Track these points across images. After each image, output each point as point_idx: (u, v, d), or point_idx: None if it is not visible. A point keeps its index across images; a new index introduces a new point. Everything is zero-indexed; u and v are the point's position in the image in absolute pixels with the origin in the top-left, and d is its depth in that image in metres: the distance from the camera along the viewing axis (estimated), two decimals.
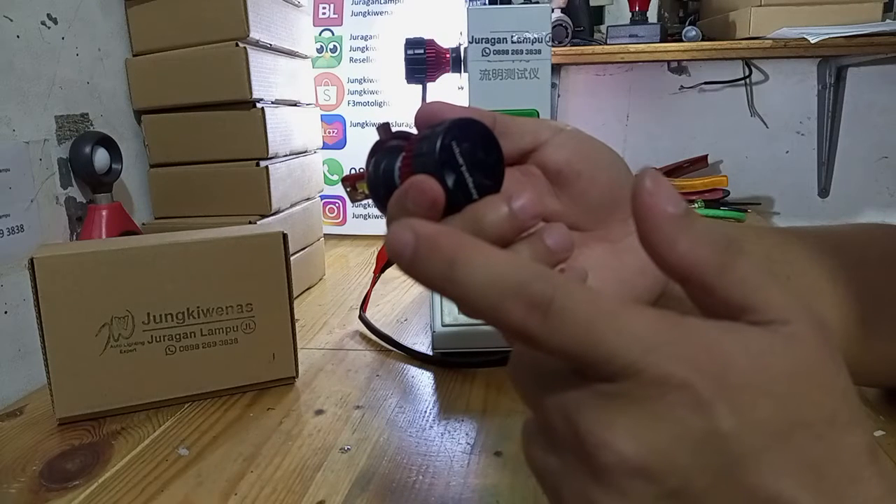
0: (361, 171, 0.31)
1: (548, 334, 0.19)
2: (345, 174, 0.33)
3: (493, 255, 0.19)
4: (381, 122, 0.31)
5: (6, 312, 0.60)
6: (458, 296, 0.20)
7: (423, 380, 0.60)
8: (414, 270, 0.20)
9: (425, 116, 0.29)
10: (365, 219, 1.20)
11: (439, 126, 0.26)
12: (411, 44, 0.65)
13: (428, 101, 0.34)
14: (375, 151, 0.30)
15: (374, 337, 0.69)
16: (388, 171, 0.28)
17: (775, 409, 0.19)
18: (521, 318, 0.19)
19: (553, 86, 0.95)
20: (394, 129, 0.30)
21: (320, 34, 1.19)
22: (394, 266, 0.64)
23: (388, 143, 0.30)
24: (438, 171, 0.25)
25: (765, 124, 1.38)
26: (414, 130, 0.30)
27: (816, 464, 0.19)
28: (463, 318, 0.61)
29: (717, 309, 0.21)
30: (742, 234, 0.40)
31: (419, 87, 0.67)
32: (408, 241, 0.20)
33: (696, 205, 1.14)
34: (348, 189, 0.33)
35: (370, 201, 0.30)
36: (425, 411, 0.53)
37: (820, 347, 0.20)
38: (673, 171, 1.25)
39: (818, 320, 0.20)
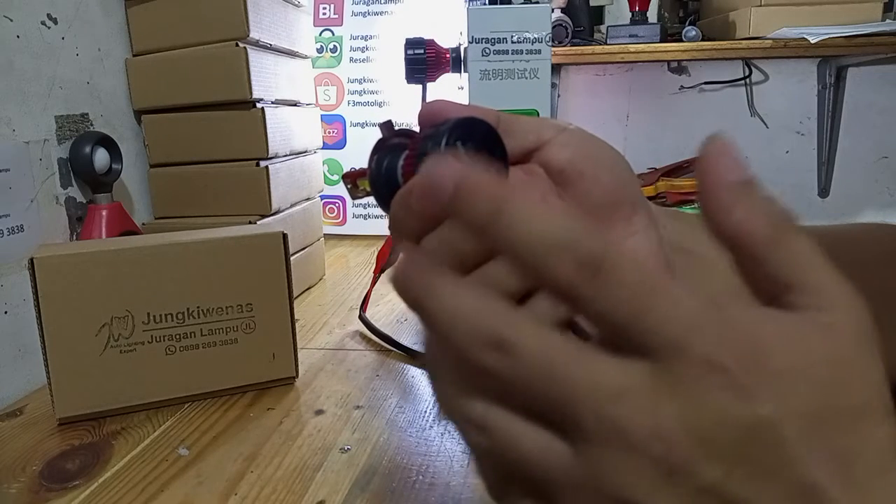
0: (362, 168, 0.31)
1: (595, 295, 0.18)
2: (346, 171, 0.33)
3: (547, 205, 0.19)
4: (384, 119, 0.31)
5: (6, 312, 0.60)
6: (501, 243, 0.19)
7: (423, 380, 0.60)
8: (455, 207, 0.19)
9: (429, 115, 0.29)
10: (365, 219, 1.20)
11: (443, 125, 0.26)
12: (411, 44, 0.65)
13: (430, 100, 0.34)
14: (378, 149, 0.30)
15: (374, 337, 0.69)
16: (391, 169, 0.28)
17: (813, 396, 0.18)
18: (570, 275, 0.18)
19: (553, 86, 0.95)
20: (396, 127, 0.30)
21: (320, 34, 1.19)
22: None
23: (391, 140, 0.30)
24: None
25: (765, 124, 1.38)
26: (416, 129, 0.30)
27: (848, 454, 0.19)
28: None
29: (762, 282, 0.21)
30: None
31: (419, 87, 0.67)
32: (451, 174, 0.18)
33: (696, 205, 1.14)
34: (349, 186, 0.33)
35: (370, 200, 0.30)
36: (425, 411, 0.53)
37: (858, 338, 0.20)
38: (673, 171, 1.25)
39: (861, 310, 0.20)
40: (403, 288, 0.20)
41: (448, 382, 0.21)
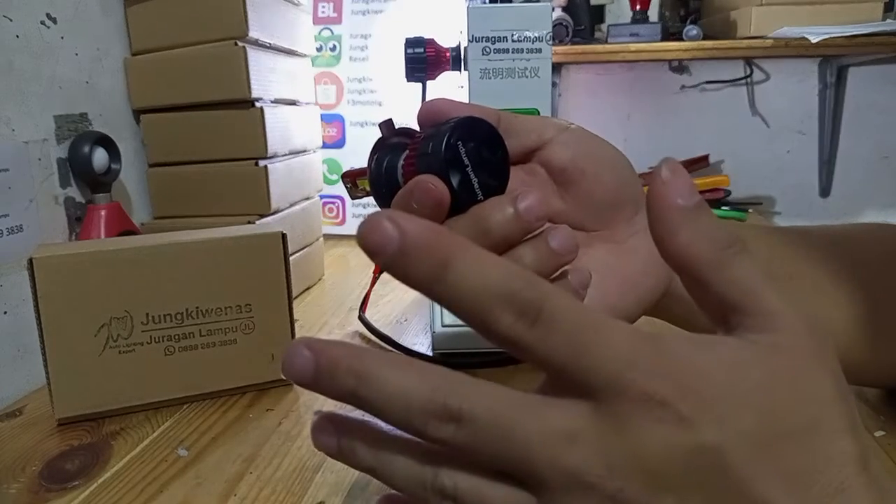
0: (362, 167, 0.31)
1: (535, 342, 0.19)
2: (345, 170, 0.33)
3: (487, 259, 0.19)
4: (384, 118, 0.31)
5: (6, 312, 0.60)
6: (445, 298, 0.19)
7: None
8: (398, 268, 0.19)
9: (429, 114, 0.29)
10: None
11: (445, 125, 0.25)
12: (411, 42, 0.64)
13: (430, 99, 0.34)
14: (378, 148, 0.29)
15: (373, 337, 0.69)
16: (391, 169, 0.28)
17: (756, 420, 0.19)
18: (510, 325, 0.19)
19: (554, 85, 0.95)
20: (396, 126, 0.30)
21: (319, 33, 1.18)
22: None
23: (391, 139, 0.29)
24: (444, 171, 0.25)
25: (766, 124, 1.37)
26: (416, 128, 0.30)
27: (802, 472, 0.19)
28: None
29: (710, 304, 0.22)
30: (745, 234, 0.40)
31: (419, 85, 0.67)
32: (392, 235, 0.18)
33: None
34: (348, 185, 0.32)
35: (370, 201, 0.30)
36: None
37: (804, 357, 0.20)
38: None
39: (808, 328, 0.20)
40: (343, 383, 0.19)
41: (407, 463, 0.21)
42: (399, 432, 0.21)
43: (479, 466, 0.20)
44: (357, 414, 0.21)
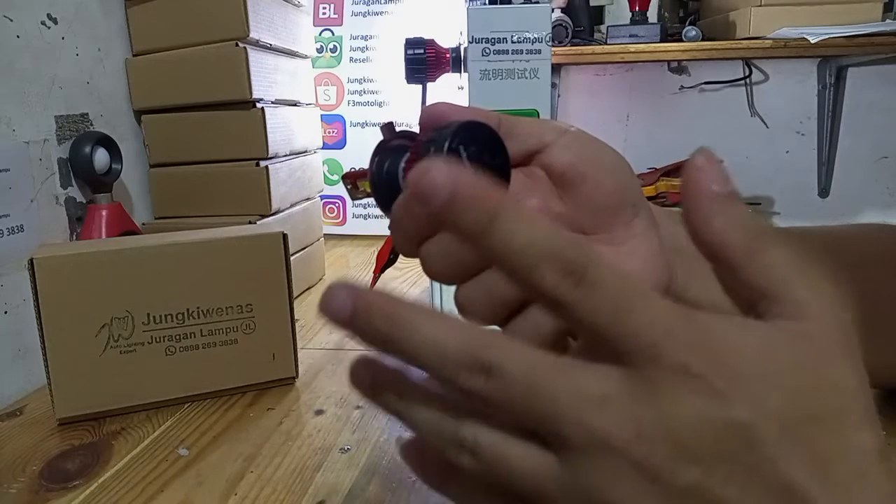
0: (362, 169, 0.31)
1: (578, 301, 0.19)
2: (346, 171, 0.33)
3: (534, 217, 0.19)
4: (386, 121, 0.31)
5: (6, 312, 0.60)
6: (492, 251, 0.19)
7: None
8: (448, 215, 0.19)
9: (430, 118, 0.29)
10: (365, 219, 1.20)
11: (446, 129, 0.26)
12: (411, 44, 0.65)
13: (429, 101, 0.34)
14: (379, 151, 0.29)
15: None
16: (392, 172, 0.28)
17: (786, 400, 0.19)
18: (555, 282, 0.19)
19: (553, 86, 0.95)
20: (397, 129, 0.30)
21: (320, 34, 1.19)
22: (394, 266, 0.63)
23: (392, 142, 0.30)
24: None
25: (765, 124, 1.38)
26: (417, 130, 0.30)
27: (826, 457, 0.19)
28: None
29: (740, 290, 0.22)
30: None
31: (419, 87, 0.67)
32: (444, 182, 0.18)
33: None
34: (349, 187, 0.33)
35: (371, 200, 0.30)
36: None
37: (831, 346, 0.20)
38: (673, 171, 1.25)
39: (836, 319, 0.21)
40: (379, 326, 0.20)
41: (431, 412, 0.21)
42: (429, 382, 0.21)
43: (503, 423, 0.20)
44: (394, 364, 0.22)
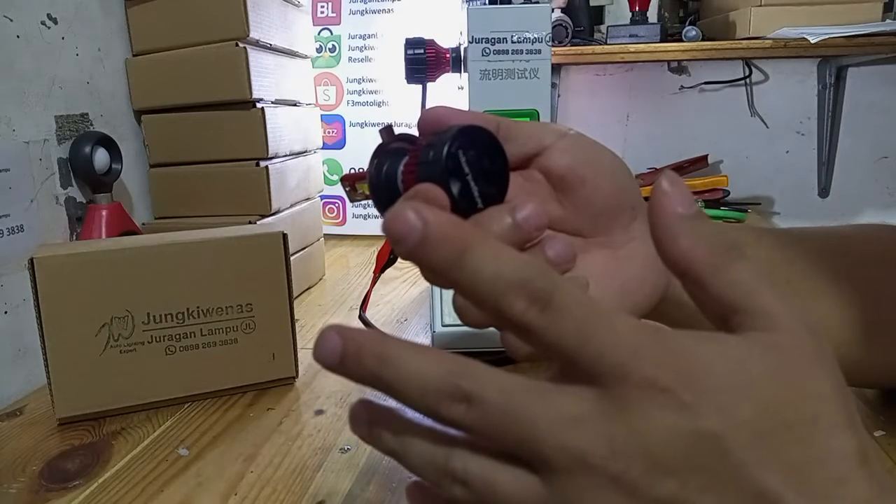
0: (361, 170, 0.31)
1: (545, 327, 0.20)
2: (344, 173, 0.33)
3: (502, 250, 0.20)
4: (385, 124, 0.31)
5: (6, 312, 0.60)
6: (462, 284, 0.20)
7: None
8: (420, 255, 0.20)
9: (430, 121, 0.29)
10: (365, 219, 1.20)
11: (445, 133, 0.26)
12: (411, 44, 0.65)
13: (429, 101, 0.34)
14: (378, 154, 0.30)
15: None
16: (391, 176, 0.28)
17: (756, 411, 0.19)
18: (522, 310, 0.20)
19: (553, 86, 0.95)
20: (396, 132, 0.30)
21: (319, 33, 1.18)
22: (394, 266, 0.63)
23: (391, 145, 0.30)
24: (444, 179, 0.25)
25: (765, 124, 1.38)
26: (416, 132, 0.30)
27: (801, 464, 0.19)
28: None
29: (710, 306, 0.22)
30: (743, 237, 0.40)
31: (419, 87, 0.67)
32: (415, 225, 0.20)
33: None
34: (347, 189, 0.33)
35: (369, 202, 0.30)
36: None
37: (802, 355, 0.21)
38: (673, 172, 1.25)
39: (805, 329, 0.21)
40: (368, 365, 0.21)
41: (422, 446, 0.22)
42: (421, 420, 0.22)
43: (489, 450, 0.21)
44: (389, 403, 0.23)
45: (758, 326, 0.21)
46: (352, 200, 0.33)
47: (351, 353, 0.21)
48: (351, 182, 0.32)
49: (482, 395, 0.20)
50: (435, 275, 0.20)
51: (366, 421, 0.23)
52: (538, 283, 0.20)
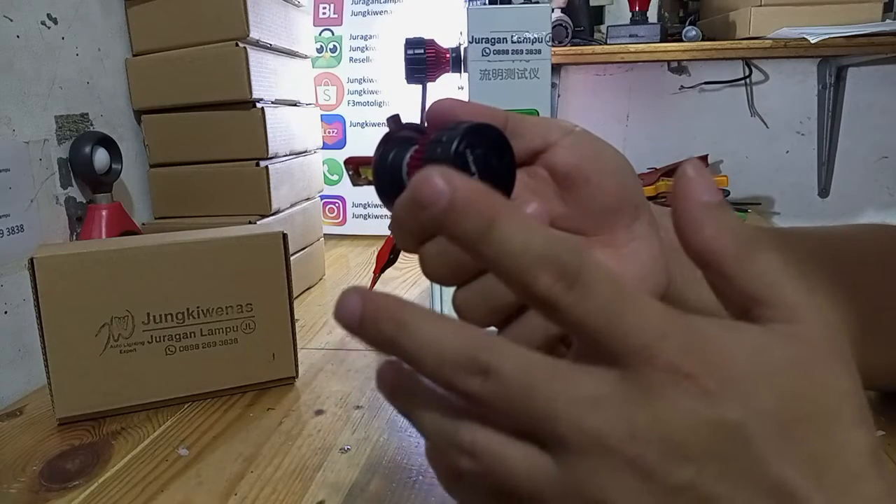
0: (367, 156, 0.31)
1: (571, 304, 0.19)
2: (349, 156, 0.33)
3: (530, 222, 0.20)
4: (392, 113, 0.31)
5: (6, 312, 0.60)
6: (488, 256, 0.20)
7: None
8: (446, 222, 0.19)
9: (438, 114, 0.29)
10: (365, 219, 1.20)
11: (454, 130, 0.26)
12: (411, 44, 0.65)
13: (429, 101, 0.34)
14: (385, 141, 0.29)
15: None
16: (396, 164, 0.28)
17: (778, 401, 0.19)
18: (549, 286, 0.19)
19: (553, 86, 0.95)
20: (403, 122, 0.30)
21: (320, 34, 1.19)
22: (394, 266, 0.63)
23: (399, 133, 0.29)
24: None
25: (765, 124, 1.38)
26: (423, 124, 0.30)
27: (819, 457, 0.19)
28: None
29: (732, 297, 0.22)
30: None
31: (419, 87, 0.67)
32: (443, 190, 0.19)
33: None
34: (350, 172, 0.32)
35: (371, 199, 0.30)
36: None
37: (823, 348, 0.21)
38: (673, 171, 1.25)
39: (825, 324, 0.21)
40: (385, 328, 0.20)
41: (434, 415, 0.22)
42: (436, 388, 0.21)
43: (501, 425, 0.21)
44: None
45: (778, 318, 0.21)
46: (354, 184, 0.33)
47: (369, 315, 0.20)
48: (355, 166, 0.32)
49: (500, 369, 0.19)
50: (461, 244, 0.20)
51: (390, 382, 0.23)
52: (567, 258, 0.19)
